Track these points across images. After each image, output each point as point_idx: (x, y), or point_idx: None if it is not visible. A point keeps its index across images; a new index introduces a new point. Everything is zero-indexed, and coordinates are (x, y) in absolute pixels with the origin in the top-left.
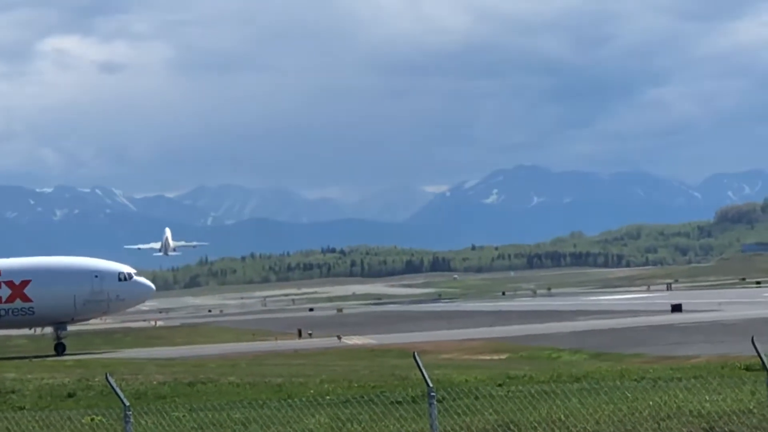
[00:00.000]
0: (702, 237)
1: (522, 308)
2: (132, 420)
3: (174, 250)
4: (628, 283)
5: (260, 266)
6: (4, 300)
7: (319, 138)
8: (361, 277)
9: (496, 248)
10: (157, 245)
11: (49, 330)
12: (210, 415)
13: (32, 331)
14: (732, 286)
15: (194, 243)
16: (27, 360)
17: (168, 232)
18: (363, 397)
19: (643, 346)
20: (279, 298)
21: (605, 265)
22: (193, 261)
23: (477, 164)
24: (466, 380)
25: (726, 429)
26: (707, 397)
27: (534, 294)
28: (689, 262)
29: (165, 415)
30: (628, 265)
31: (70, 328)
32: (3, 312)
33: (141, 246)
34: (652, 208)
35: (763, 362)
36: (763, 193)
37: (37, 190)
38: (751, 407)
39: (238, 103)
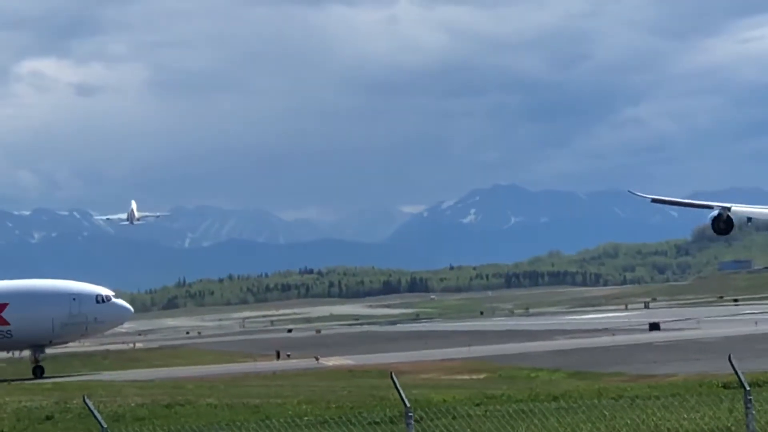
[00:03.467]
0: (679, 255)
1: (500, 328)
2: None
3: (138, 219)
4: (605, 301)
5: (238, 287)
6: None
7: (296, 159)
8: (339, 298)
9: (474, 268)
10: (124, 216)
11: (27, 353)
12: None
13: (10, 354)
14: (709, 304)
15: (157, 213)
16: (5, 383)
17: (134, 204)
18: (341, 418)
19: (621, 364)
20: (257, 320)
21: (583, 284)
22: (170, 282)
23: (454, 184)
24: (444, 400)
25: None
26: (685, 415)
27: (512, 313)
28: (667, 280)
29: None
30: (605, 283)
31: (49, 350)
32: None
33: (110, 216)
34: (630, 227)
35: (740, 380)
36: None
37: (15, 212)
38: (729, 425)
39: (215, 124)
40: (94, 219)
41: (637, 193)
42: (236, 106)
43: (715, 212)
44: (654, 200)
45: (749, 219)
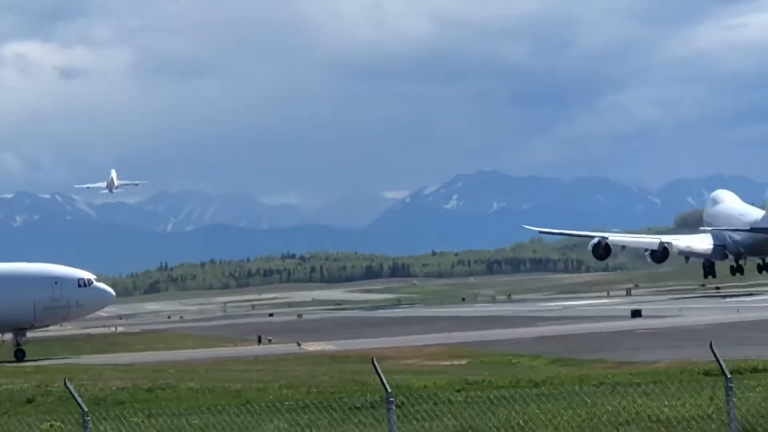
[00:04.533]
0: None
1: (482, 314)
2: (90, 426)
3: (117, 188)
4: (587, 288)
5: (220, 272)
6: None
7: (279, 144)
8: (321, 283)
9: (456, 254)
10: (104, 184)
11: (8, 336)
12: (169, 421)
13: None
14: (692, 291)
15: (136, 182)
16: None
17: (113, 173)
18: (322, 403)
19: (603, 351)
20: (239, 304)
21: (565, 270)
22: (152, 266)
23: (437, 170)
24: (425, 386)
25: None
26: (666, 402)
27: (494, 300)
28: (649, 267)
29: (124, 420)
30: (588, 270)
31: (30, 334)
32: None
33: (89, 185)
34: (612, 214)
35: (721, 367)
36: None
37: None
38: (709, 412)
39: (198, 108)
40: (75, 188)
41: (527, 226)
42: (220, 91)
43: (595, 240)
44: (541, 232)
45: (623, 247)
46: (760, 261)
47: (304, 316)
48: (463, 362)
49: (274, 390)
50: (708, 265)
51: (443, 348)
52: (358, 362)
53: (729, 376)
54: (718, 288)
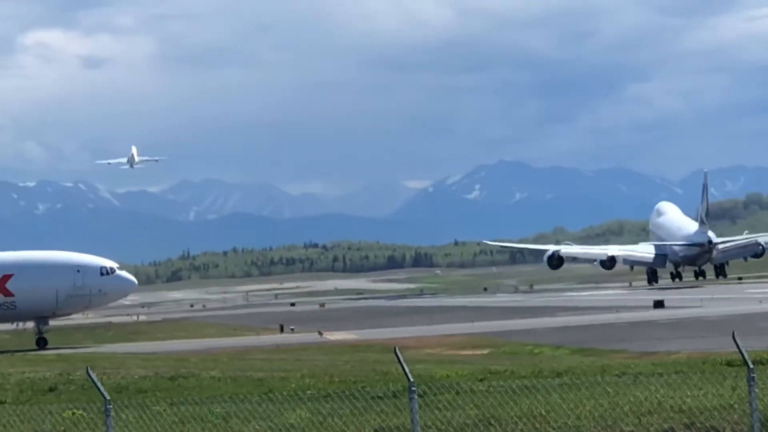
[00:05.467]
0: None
1: (504, 304)
2: (113, 414)
3: (138, 163)
4: (610, 279)
5: (242, 261)
6: None
7: (302, 133)
8: (344, 272)
9: (478, 244)
10: (125, 160)
11: (30, 324)
12: (191, 410)
13: (14, 325)
14: (713, 282)
15: (156, 157)
16: (8, 354)
17: (134, 149)
18: (344, 392)
19: (625, 341)
20: (261, 293)
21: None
22: (174, 255)
23: (459, 160)
24: (447, 375)
25: (707, 424)
26: (688, 393)
27: (516, 290)
28: None
29: (146, 409)
30: None
31: (52, 322)
32: None
33: (111, 161)
34: (635, 204)
35: (744, 358)
36: (746, 189)
37: (20, 184)
38: (732, 403)
39: (221, 97)
40: (96, 164)
41: (488, 241)
42: (243, 79)
43: (550, 252)
44: (502, 247)
45: (575, 258)
46: (695, 269)
47: (327, 306)
48: (486, 352)
49: (296, 379)
50: (651, 272)
51: (465, 338)
52: (380, 351)
53: (751, 366)
54: (740, 279)
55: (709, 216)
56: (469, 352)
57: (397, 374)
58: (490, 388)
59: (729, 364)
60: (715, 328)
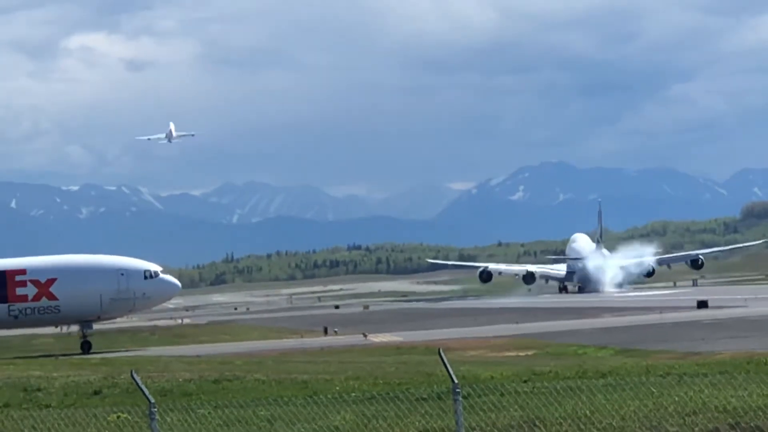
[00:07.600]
0: (728, 233)
1: (548, 305)
2: (157, 417)
3: (176, 138)
4: (654, 279)
5: (286, 263)
6: (30, 298)
7: (345, 135)
8: (387, 274)
9: (522, 245)
10: (163, 135)
11: (75, 328)
12: (236, 412)
13: (58, 329)
14: (758, 282)
15: (192, 132)
16: (53, 358)
17: (172, 125)
18: (388, 394)
19: (669, 342)
20: (305, 296)
21: None
22: (218, 258)
23: (503, 161)
24: (492, 377)
25: (752, 424)
26: (733, 393)
27: (559, 291)
28: (716, 258)
29: (191, 412)
30: None
31: (96, 326)
32: (29, 310)
33: (150, 137)
34: (678, 205)
35: None
36: None
37: (63, 188)
38: None
39: (264, 99)
40: (137, 139)
41: (429, 260)
42: (285, 81)
43: (481, 269)
44: (432, 263)
45: (500, 273)
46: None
47: (370, 308)
48: (530, 353)
49: (340, 381)
50: (562, 286)
51: (509, 339)
52: (423, 353)
53: None
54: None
55: (602, 240)
56: (513, 354)
57: (442, 376)
58: (535, 390)
59: None
60: (760, 327)
